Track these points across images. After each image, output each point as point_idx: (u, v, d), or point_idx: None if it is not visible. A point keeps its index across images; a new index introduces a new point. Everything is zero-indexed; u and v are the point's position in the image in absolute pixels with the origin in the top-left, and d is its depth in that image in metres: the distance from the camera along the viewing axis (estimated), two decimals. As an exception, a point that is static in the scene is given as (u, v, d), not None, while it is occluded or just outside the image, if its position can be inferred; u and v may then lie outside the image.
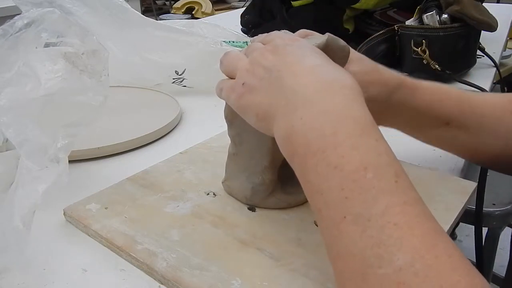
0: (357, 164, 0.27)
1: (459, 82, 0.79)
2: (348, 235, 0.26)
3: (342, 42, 0.40)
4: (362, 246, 0.25)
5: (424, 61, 0.77)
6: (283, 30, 0.41)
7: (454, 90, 0.48)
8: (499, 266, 1.39)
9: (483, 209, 0.76)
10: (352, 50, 0.44)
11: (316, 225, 0.41)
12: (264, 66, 0.35)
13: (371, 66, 0.45)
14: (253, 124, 0.36)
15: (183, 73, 0.75)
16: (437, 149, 0.54)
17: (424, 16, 0.78)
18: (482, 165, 0.51)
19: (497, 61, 0.90)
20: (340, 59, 0.40)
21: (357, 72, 0.42)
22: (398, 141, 0.50)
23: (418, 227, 0.25)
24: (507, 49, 1.58)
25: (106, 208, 0.43)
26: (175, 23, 0.87)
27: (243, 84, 0.36)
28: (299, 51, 0.34)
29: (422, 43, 0.77)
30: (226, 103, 0.42)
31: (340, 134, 0.28)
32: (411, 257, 0.23)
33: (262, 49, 0.36)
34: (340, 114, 0.29)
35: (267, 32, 0.40)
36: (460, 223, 1.14)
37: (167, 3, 3.47)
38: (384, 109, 0.46)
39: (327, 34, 0.38)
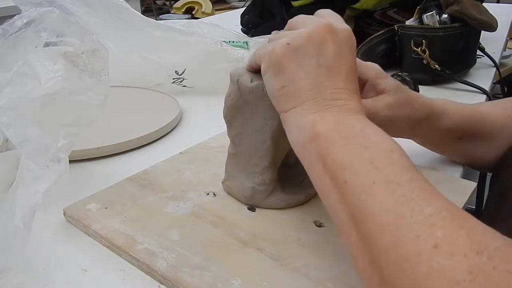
0: (386, 147, 0.31)
1: (459, 82, 0.79)
2: (379, 196, 0.28)
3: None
4: (393, 203, 0.27)
5: (424, 61, 0.77)
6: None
7: (467, 105, 0.51)
8: (499, 266, 1.39)
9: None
10: (391, 77, 0.45)
11: (316, 225, 0.41)
12: (316, 45, 0.34)
13: (405, 98, 0.45)
14: (268, 88, 0.35)
15: (183, 73, 0.75)
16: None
17: (424, 16, 0.78)
18: (493, 171, 0.53)
19: (497, 61, 0.90)
20: None
21: (392, 105, 0.44)
22: (398, 141, 0.50)
23: (440, 196, 0.28)
24: (507, 49, 1.59)
25: (106, 208, 0.43)
26: (175, 23, 0.86)
27: (287, 44, 0.34)
28: (343, 47, 0.35)
29: (422, 43, 0.77)
30: (225, 103, 0.42)
31: (368, 131, 0.32)
32: (439, 208, 0.26)
33: (303, 32, 0.35)
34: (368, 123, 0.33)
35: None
36: (460, 223, 1.13)
37: (167, 3, 3.46)
38: (407, 135, 0.49)
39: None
